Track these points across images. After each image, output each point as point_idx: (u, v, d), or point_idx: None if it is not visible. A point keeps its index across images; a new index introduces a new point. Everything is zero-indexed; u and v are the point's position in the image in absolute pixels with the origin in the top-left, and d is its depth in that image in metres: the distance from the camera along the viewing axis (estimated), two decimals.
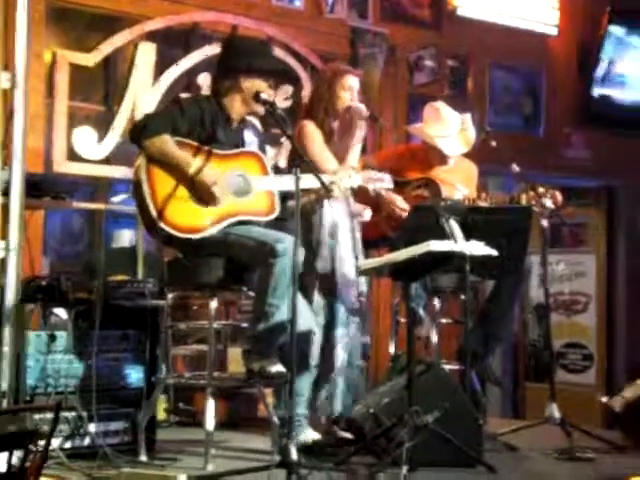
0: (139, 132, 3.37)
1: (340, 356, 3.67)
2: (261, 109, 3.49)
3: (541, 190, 3.96)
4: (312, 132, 3.75)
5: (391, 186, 3.73)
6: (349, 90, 3.80)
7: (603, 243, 7.35)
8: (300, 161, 3.15)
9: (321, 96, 3.85)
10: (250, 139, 3.59)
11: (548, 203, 3.93)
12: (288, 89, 5.41)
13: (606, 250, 7.33)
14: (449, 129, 4.21)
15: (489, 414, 4.70)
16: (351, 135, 3.76)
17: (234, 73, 3.49)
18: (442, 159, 4.25)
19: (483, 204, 4.04)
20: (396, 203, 4.01)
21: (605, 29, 6.78)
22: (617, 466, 3.53)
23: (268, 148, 3.84)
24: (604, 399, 4.04)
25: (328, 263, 3.69)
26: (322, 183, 3.23)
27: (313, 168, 3.31)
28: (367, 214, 3.87)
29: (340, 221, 3.73)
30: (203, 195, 3.34)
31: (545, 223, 3.95)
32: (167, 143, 3.33)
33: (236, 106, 3.51)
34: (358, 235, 3.82)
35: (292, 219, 3.41)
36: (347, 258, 3.71)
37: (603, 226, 7.36)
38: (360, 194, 3.76)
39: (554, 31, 6.74)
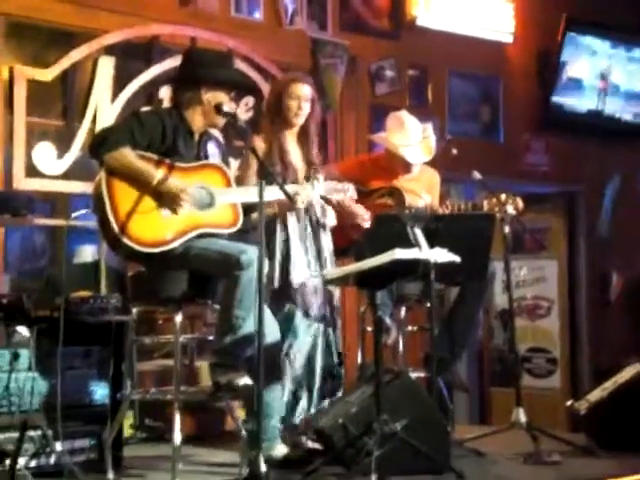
0: (98, 146, 3.33)
1: (298, 364, 3.65)
2: (221, 121, 3.48)
3: (503, 197, 4.00)
4: (255, 144, 3.72)
5: (355, 196, 3.74)
6: (297, 99, 3.77)
7: (564, 248, 7.43)
8: (264, 173, 3.13)
9: (269, 107, 3.85)
10: (213, 151, 3.58)
11: (510, 209, 3.97)
12: (249, 101, 5.41)
13: (567, 255, 7.41)
14: (412, 138, 4.24)
15: (457, 420, 4.71)
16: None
17: (195, 85, 3.48)
18: (405, 167, 4.28)
19: (446, 211, 4.07)
20: (358, 214, 3.96)
21: (563, 35, 6.87)
22: (583, 469, 3.56)
23: (231, 160, 3.82)
24: (569, 403, 4.06)
25: (279, 274, 3.67)
26: (286, 194, 3.24)
27: (277, 180, 3.31)
28: (331, 220, 3.86)
29: (292, 232, 3.72)
30: (171, 203, 3.30)
31: (507, 229, 3.98)
32: (128, 156, 3.30)
33: (197, 118, 3.50)
34: (325, 243, 3.81)
35: (254, 231, 3.41)
36: (302, 266, 3.69)
37: (564, 231, 7.44)
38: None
39: (510, 38, 6.82)
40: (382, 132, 4.47)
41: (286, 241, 3.72)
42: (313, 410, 3.68)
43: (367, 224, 3.92)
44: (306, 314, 3.69)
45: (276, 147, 3.76)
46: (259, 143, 3.74)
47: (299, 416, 3.66)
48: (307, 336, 3.69)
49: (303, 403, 3.68)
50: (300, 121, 3.77)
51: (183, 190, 3.30)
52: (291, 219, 3.72)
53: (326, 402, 3.71)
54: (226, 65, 3.62)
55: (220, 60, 3.67)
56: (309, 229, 3.79)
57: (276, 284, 3.65)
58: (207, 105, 3.46)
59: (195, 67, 3.53)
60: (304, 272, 3.71)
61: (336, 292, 3.85)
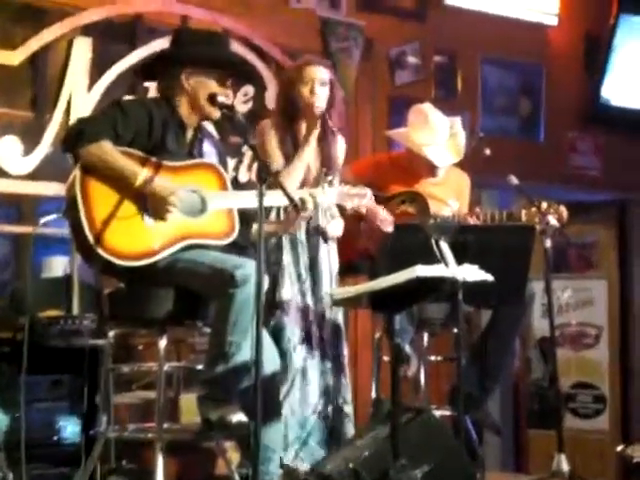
0: (73, 139, 3.33)
1: (292, 397, 3.66)
2: (216, 113, 3.48)
3: (544, 206, 4.00)
4: (263, 130, 3.74)
5: (372, 203, 3.74)
6: (309, 82, 3.76)
7: (615, 266, 7.42)
8: (266, 174, 3.12)
9: (280, 98, 3.86)
10: (208, 150, 3.58)
11: (552, 220, 3.97)
12: (249, 90, 5.43)
13: (619, 274, 7.39)
14: (437, 136, 4.24)
15: (487, 467, 4.70)
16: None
17: (175, 68, 3.48)
18: (430, 170, 4.28)
19: (477, 222, 4.07)
20: (379, 217, 3.97)
21: (615, 17, 6.87)
22: None
23: (228, 160, 3.84)
24: (620, 448, 4.06)
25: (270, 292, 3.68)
26: (291, 200, 3.22)
27: (281, 182, 3.30)
28: (335, 229, 3.86)
29: (285, 243, 3.73)
30: (157, 208, 3.31)
31: (548, 244, 3.98)
32: (108, 151, 3.29)
33: (184, 110, 3.50)
34: (324, 254, 3.81)
35: (251, 249, 3.40)
36: (288, 281, 3.70)
37: (614, 246, 7.43)
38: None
39: (554, 21, 6.83)
40: (403, 128, 4.48)
41: (278, 248, 3.72)
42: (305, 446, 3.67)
43: (390, 229, 3.92)
44: (291, 334, 3.69)
45: (290, 141, 3.76)
46: (266, 125, 3.75)
47: (293, 456, 3.65)
48: (291, 361, 3.68)
49: (292, 437, 3.66)
50: (317, 109, 3.75)
51: (171, 193, 3.30)
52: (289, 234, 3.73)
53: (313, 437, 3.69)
54: (215, 44, 3.59)
55: (209, 38, 3.64)
56: (303, 236, 3.78)
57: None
58: (193, 92, 3.46)
59: (177, 47, 3.54)
60: (291, 287, 3.71)
61: (338, 313, 3.84)
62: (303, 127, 3.81)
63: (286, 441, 3.60)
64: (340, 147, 3.93)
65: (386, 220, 3.92)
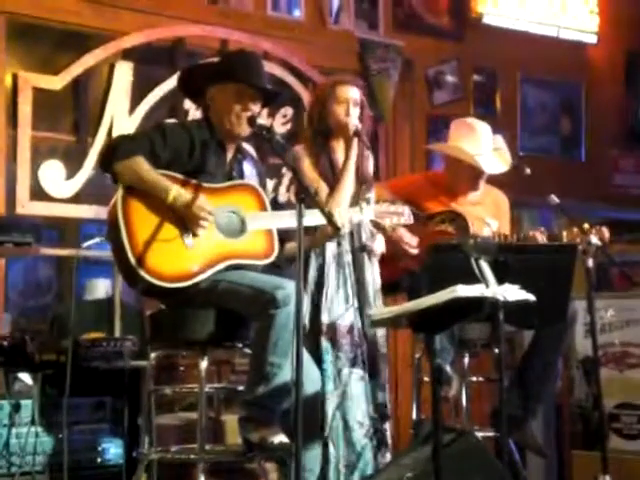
0: (109, 153, 3.35)
1: (329, 416, 3.64)
2: (247, 130, 3.47)
3: (585, 225, 3.96)
4: (297, 155, 3.75)
5: (411, 221, 3.73)
6: (344, 102, 3.77)
7: None
8: (305, 195, 3.12)
9: (312, 116, 3.86)
10: (248, 171, 3.59)
11: (594, 240, 3.93)
12: (288, 111, 5.45)
13: None
14: (485, 146, 4.22)
15: None
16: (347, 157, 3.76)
17: (210, 84, 3.50)
18: (472, 183, 4.24)
19: (543, 239, 4.02)
20: (403, 239, 3.97)
21: None
22: None
23: (267, 181, 3.84)
24: None
25: (310, 311, 3.67)
26: (329, 219, 3.21)
27: (319, 202, 3.30)
28: (379, 245, 3.85)
29: (329, 257, 3.73)
30: (192, 223, 3.31)
31: (591, 263, 3.94)
32: (141, 167, 3.30)
33: (221, 129, 3.49)
34: (369, 274, 3.80)
35: (288, 266, 3.40)
36: (336, 302, 3.70)
37: None
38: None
39: (593, 39, 6.80)
40: (443, 142, 4.46)
41: (321, 268, 3.72)
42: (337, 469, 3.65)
43: (414, 252, 3.91)
44: (336, 358, 3.68)
45: (326, 160, 3.77)
46: (302, 153, 3.75)
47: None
48: (335, 384, 3.66)
49: (335, 462, 3.64)
50: (352, 127, 3.76)
51: (205, 209, 3.31)
52: (329, 243, 3.72)
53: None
54: (251, 65, 3.57)
55: (245, 58, 3.63)
56: (349, 256, 3.78)
57: (306, 321, 3.63)
58: (219, 111, 3.46)
59: (217, 64, 3.56)
60: (338, 308, 3.71)
61: (379, 332, 3.83)
62: (336, 145, 3.82)
63: (337, 465, 3.59)
64: (371, 164, 3.94)
65: (410, 243, 3.91)
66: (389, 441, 3.81)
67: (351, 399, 3.69)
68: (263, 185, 3.66)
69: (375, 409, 3.75)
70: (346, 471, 3.64)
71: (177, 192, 3.30)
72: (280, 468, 3.62)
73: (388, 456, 3.77)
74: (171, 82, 5.13)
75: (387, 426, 3.81)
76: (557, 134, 6.74)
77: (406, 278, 4.06)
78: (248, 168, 3.61)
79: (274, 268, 3.48)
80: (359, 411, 3.70)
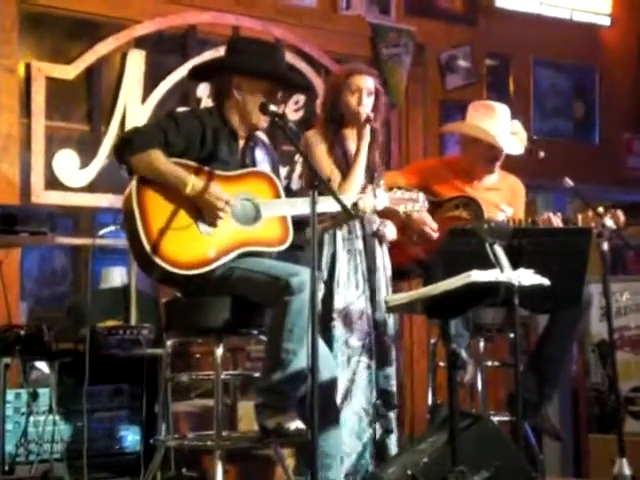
0: (122, 148, 3.37)
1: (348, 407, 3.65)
2: (265, 122, 3.48)
3: (600, 208, 3.95)
4: (310, 141, 3.75)
5: (425, 207, 3.73)
6: (357, 91, 3.77)
7: None
8: (318, 182, 3.12)
9: (325, 104, 3.87)
10: (261, 158, 3.59)
11: (608, 223, 3.92)
12: (300, 98, 5.45)
13: None
14: (503, 127, 4.21)
15: (547, 473, 4.65)
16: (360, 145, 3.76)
17: (226, 75, 3.50)
18: (488, 165, 4.22)
19: (559, 223, 4.02)
20: (426, 222, 3.97)
21: None
22: None
23: (280, 168, 3.85)
24: None
25: (322, 296, 3.68)
26: (343, 206, 3.21)
27: (332, 189, 3.30)
28: (391, 232, 3.86)
29: (340, 245, 3.74)
30: (209, 213, 3.32)
31: (606, 246, 3.93)
32: (157, 159, 3.31)
33: (235, 118, 3.52)
34: (380, 260, 3.81)
35: (309, 247, 3.41)
36: (348, 288, 3.71)
37: None
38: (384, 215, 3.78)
39: (607, 21, 6.76)
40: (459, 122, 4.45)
41: (333, 255, 3.73)
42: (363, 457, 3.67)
43: (435, 235, 3.91)
44: (346, 344, 3.69)
45: (338, 148, 3.77)
46: (312, 135, 3.76)
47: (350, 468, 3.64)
48: (344, 371, 3.67)
49: (349, 449, 3.65)
50: (364, 115, 3.75)
51: (222, 198, 3.32)
52: (340, 230, 3.73)
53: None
54: (268, 56, 3.58)
55: (262, 49, 3.64)
56: (360, 243, 3.78)
57: (319, 307, 3.63)
58: (242, 101, 3.47)
59: (232, 54, 3.56)
60: (349, 294, 3.71)
61: (390, 319, 3.83)
62: (349, 133, 3.82)
63: (343, 452, 3.60)
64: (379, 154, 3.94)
65: (432, 226, 3.91)
66: (394, 428, 3.82)
67: (358, 387, 3.70)
68: (276, 172, 3.67)
69: (379, 396, 3.76)
70: (355, 460, 3.66)
71: (194, 183, 3.30)
72: (297, 454, 3.62)
73: (393, 439, 3.79)
74: (183, 70, 5.13)
75: (392, 415, 3.81)
76: (571, 117, 6.72)
77: (414, 266, 4.06)
78: (260, 155, 3.61)
79: (294, 249, 3.48)
80: (364, 398, 3.71)
